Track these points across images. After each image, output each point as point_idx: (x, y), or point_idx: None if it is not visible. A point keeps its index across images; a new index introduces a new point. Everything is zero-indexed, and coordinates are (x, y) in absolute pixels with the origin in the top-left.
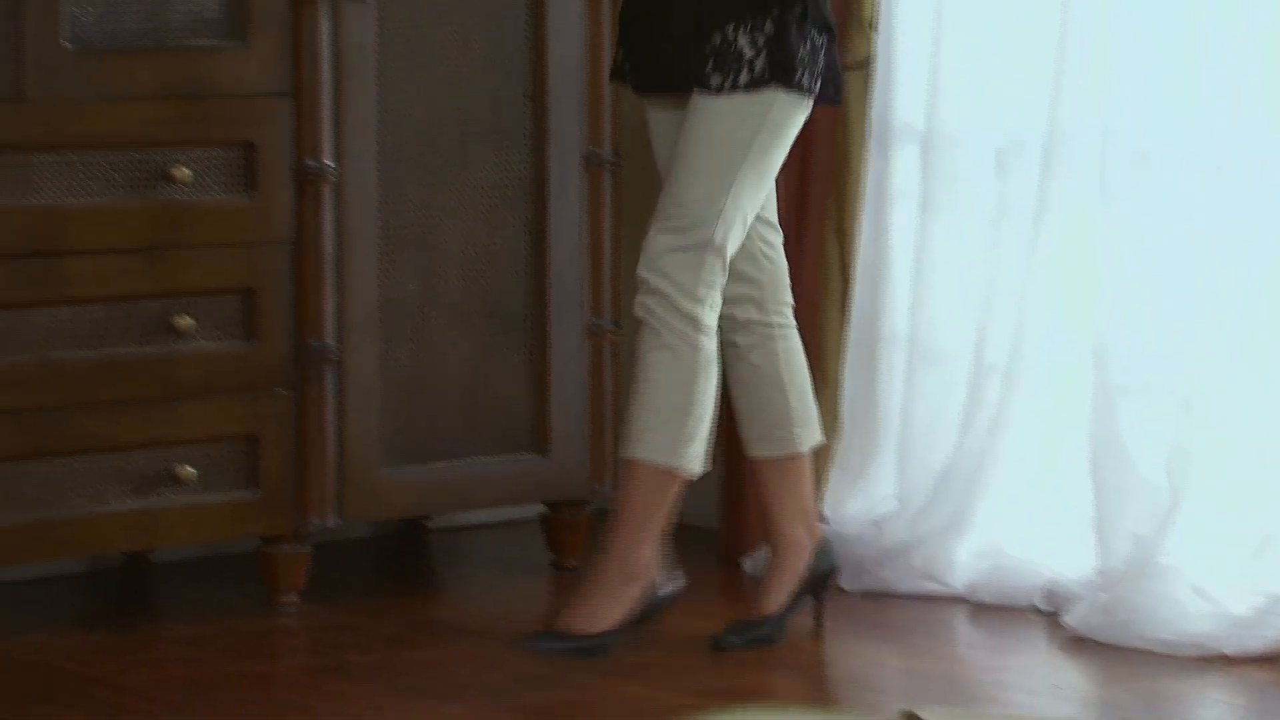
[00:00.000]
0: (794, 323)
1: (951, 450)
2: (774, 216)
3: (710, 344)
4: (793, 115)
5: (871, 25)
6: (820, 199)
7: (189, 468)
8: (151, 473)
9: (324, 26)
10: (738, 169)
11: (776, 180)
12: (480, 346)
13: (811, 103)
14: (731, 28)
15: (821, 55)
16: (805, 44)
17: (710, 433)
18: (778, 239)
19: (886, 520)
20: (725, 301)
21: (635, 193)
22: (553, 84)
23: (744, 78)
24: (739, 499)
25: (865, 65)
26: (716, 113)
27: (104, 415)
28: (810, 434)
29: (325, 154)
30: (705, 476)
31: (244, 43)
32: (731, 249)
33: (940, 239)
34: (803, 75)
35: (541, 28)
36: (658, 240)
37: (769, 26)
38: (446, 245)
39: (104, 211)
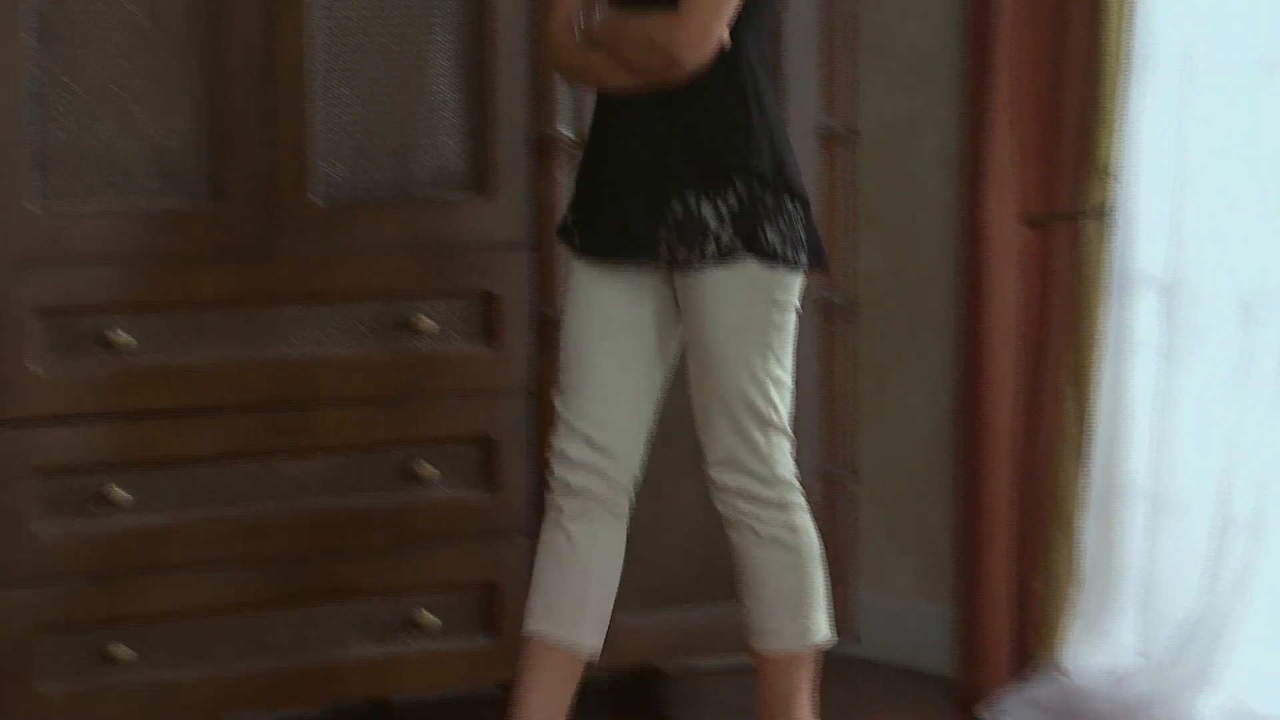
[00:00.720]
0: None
1: (1195, 603)
2: None
3: (803, 516)
4: (791, 285)
5: (1109, 172)
6: (1057, 347)
7: (430, 614)
8: (393, 619)
9: (564, 178)
10: (766, 346)
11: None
12: (708, 494)
13: (800, 271)
14: (692, 197)
15: (798, 223)
16: (776, 215)
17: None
18: None
19: (1128, 674)
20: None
21: (871, 338)
22: None
23: (710, 249)
24: (976, 640)
25: (1103, 213)
26: (722, 292)
27: (348, 562)
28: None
29: (563, 303)
30: (939, 616)
31: (487, 195)
32: (789, 416)
33: (1182, 389)
34: (778, 246)
35: None
36: (721, 441)
37: (732, 198)
38: (676, 390)
39: (351, 362)
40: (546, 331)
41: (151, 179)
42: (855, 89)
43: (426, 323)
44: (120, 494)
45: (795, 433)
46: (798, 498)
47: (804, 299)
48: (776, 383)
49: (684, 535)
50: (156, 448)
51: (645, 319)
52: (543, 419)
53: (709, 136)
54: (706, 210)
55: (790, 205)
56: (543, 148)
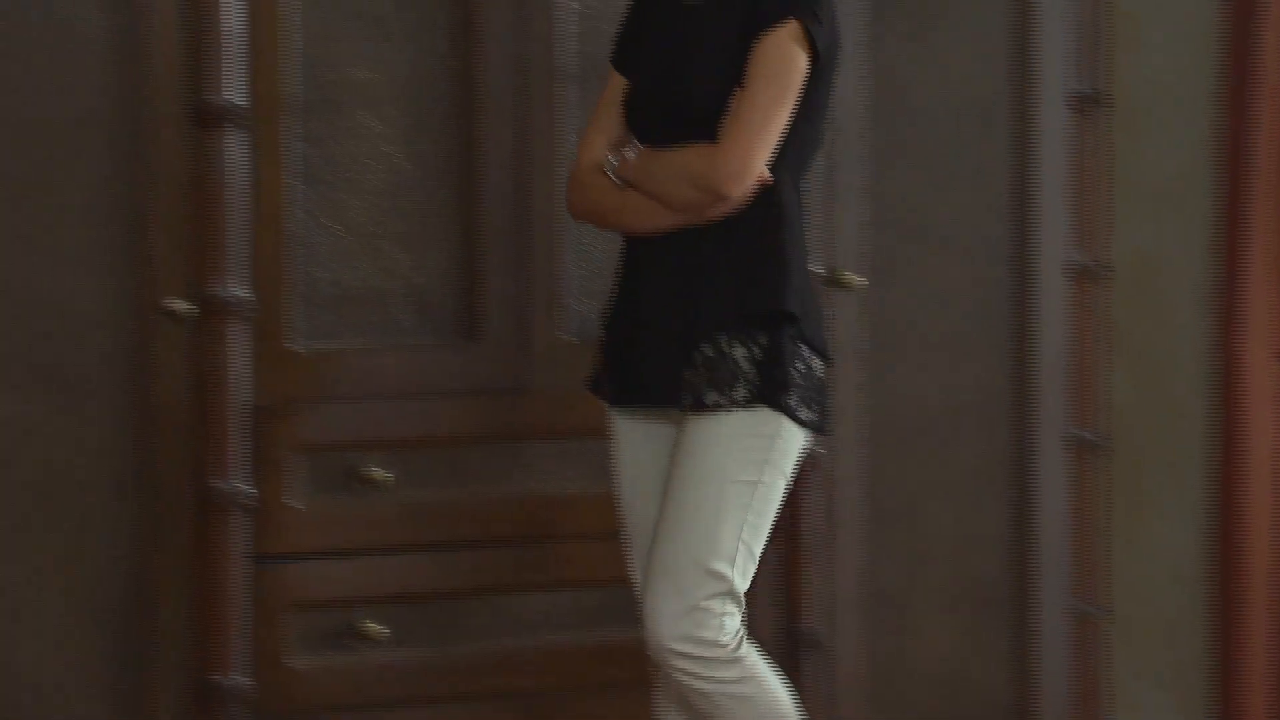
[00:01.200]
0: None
1: None
2: None
3: (758, 663)
4: (792, 444)
5: None
6: None
7: None
8: None
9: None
10: (746, 505)
11: None
12: (962, 629)
13: (807, 433)
14: (725, 339)
15: (816, 382)
16: (798, 364)
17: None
18: None
19: None
20: None
21: (1124, 476)
22: (1039, 367)
23: (741, 393)
24: None
25: None
26: (714, 438)
27: (594, 698)
28: None
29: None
30: None
31: None
32: (744, 589)
33: None
34: (795, 400)
35: (1028, 315)
36: (669, 603)
37: (764, 341)
38: (930, 526)
39: (598, 498)
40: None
41: (408, 317)
42: (1109, 223)
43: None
44: (375, 628)
45: (1047, 567)
46: (748, 649)
47: (1058, 434)
48: (748, 549)
49: (935, 674)
50: (410, 583)
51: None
52: (791, 555)
53: (744, 275)
54: (739, 353)
55: (808, 357)
56: None
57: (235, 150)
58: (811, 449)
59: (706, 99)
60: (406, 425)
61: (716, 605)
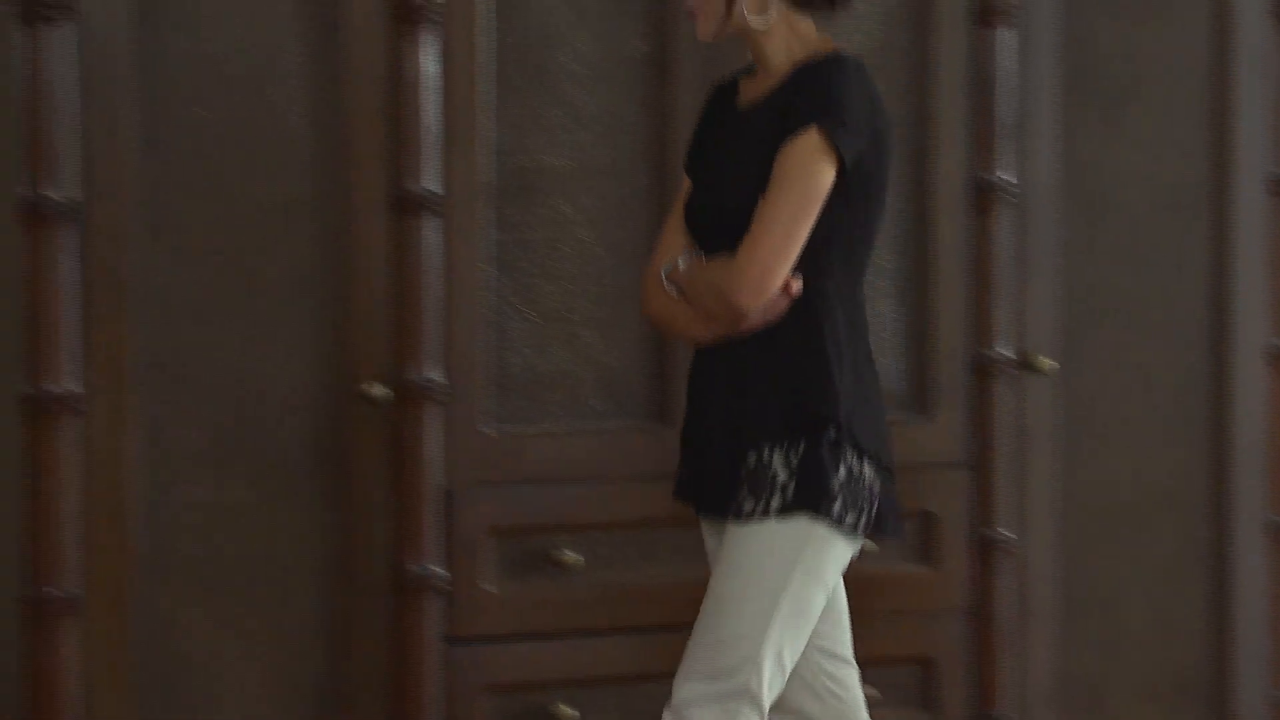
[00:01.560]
0: None
1: None
2: (846, 650)
3: None
4: (830, 552)
5: None
6: None
7: None
8: None
9: (1006, 399)
10: (774, 611)
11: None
12: (1159, 717)
13: (856, 539)
14: (768, 449)
15: (865, 486)
16: (840, 470)
17: None
18: (850, 674)
19: None
20: None
21: None
22: (1236, 452)
23: (776, 502)
24: None
25: None
26: (748, 544)
27: None
28: None
29: (1005, 525)
30: None
31: (927, 415)
32: (769, 698)
33: None
34: (837, 505)
35: (1225, 399)
36: (686, 687)
37: (802, 448)
38: (1126, 614)
39: None
40: (987, 552)
41: (600, 400)
42: None
43: (865, 542)
44: (567, 711)
45: (1246, 656)
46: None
47: (1257, 521)
48: (777, 657)
49: None
50: (602, 665)
51: None
52: (983, 641)
53: (783, 385)
54: (778, 462)
55: (854, 462)
56: (983, 368)
57: (432, 236)
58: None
59: (738, 208)
60: (597, 508)
61: (731, 706)
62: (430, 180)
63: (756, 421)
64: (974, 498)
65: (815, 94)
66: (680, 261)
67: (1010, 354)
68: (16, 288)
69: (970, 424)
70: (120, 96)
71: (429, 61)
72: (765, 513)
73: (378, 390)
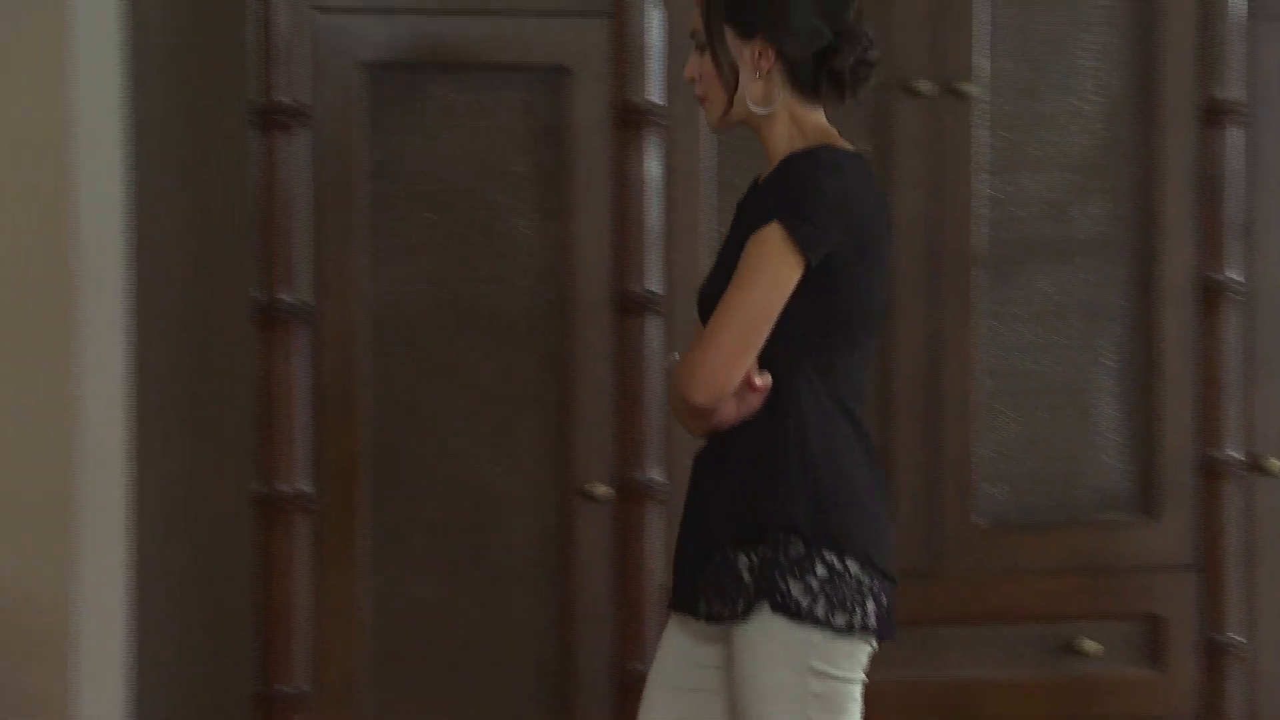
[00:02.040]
0: None
1: None
2: None
3: None
4: (835, 656)
5: None
6: None
7: None
8: None
9: (1235, 500)
10: (801, 716)
11: None
12: None
13: (863, 639)
14: (731, 548)
15: (853, 583)
16: (817, 569)
17: None
18: None
19: None
20: None
21: None
22: None
23: (740, 605)
24: None
25: None
26: (746, 658)
27: None
28: None
29: (1234, 629)
30: None
31: (1152, 516)
32: None
33: None
34: (820, 606)
35: None
36: None
37: (764, 550)
38: None
39: (1013, 684)
40: (1215, 657)
41: None
42: None
43: (1090, 645)
44: None
45: None
46: None
47: None
48: None
49: None
50: None
51: (712, 679)
52: None
53: (746, 484)
54: (742, 563)
55: (834, 561)
56: (1210, 469)
57: (654, 336)
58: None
59: (712, 301)
60: None
61: None
62: (652, 281)
63: (721, 519)
64: (1202, 601)
65: (783, 188)
66: (677, 355)
67: (1239, 455)
68: (250, 389)
69: (1198, 526)
70: (352, 202)
71: (652, 164)
72: (734, 615)
73: (600, 489)
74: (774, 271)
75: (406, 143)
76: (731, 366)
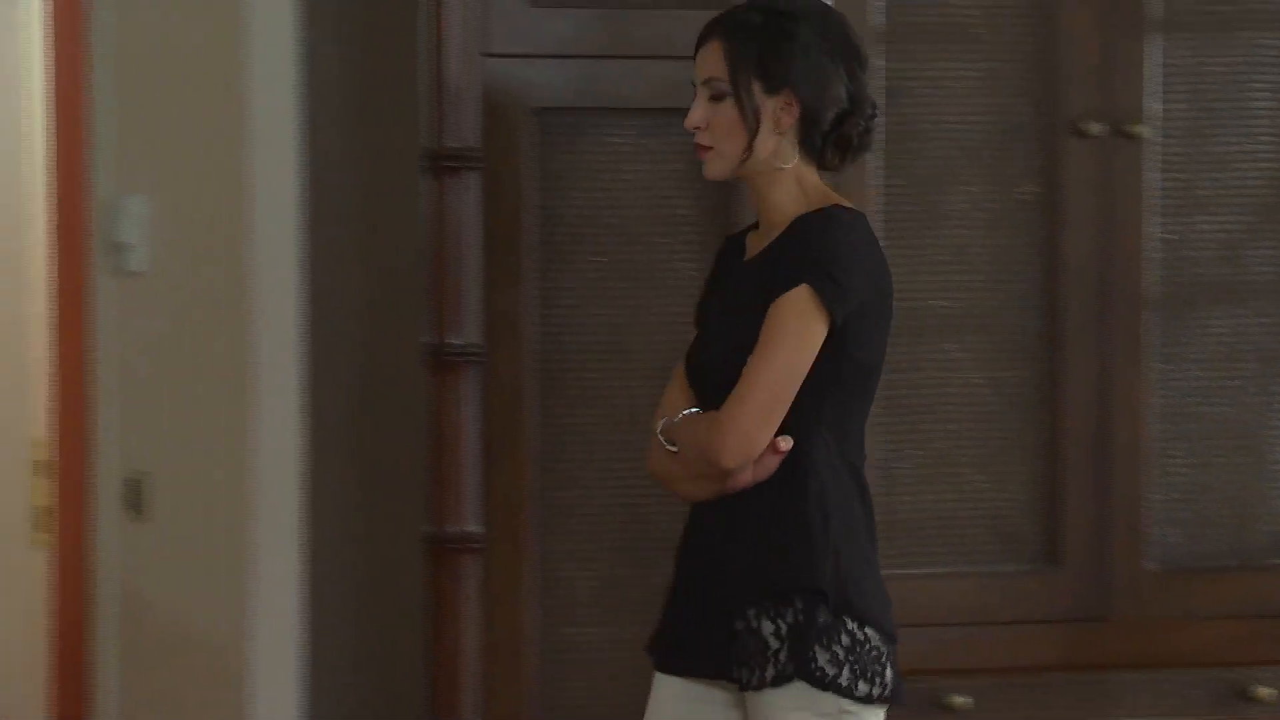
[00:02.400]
0: None
1: None
2: None
3: None
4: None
5: None
6: None
7: None
8: None
9: None
10: None
11: None
12: None
13: (876, 710)
14: (754, 613)
15: (872, 652)
16: (842, 638)
17: None
18: None
19: None
20: None
21: None
22: None
23: (770, 672)
24: None
25: None
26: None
27: None
28: None
29: None
30: None
31: None
32: None
33: None
34: (845, 675)
35: None
36: None
37: (791, 615)
38: None
39: None
40: None
41: (987, 544)
42: None
43: (1265, 692)
44: None
45: None
46: None
47: None
48: None
49: None
50: None
51: None
52: None
53: (768, 547)
54: (767, 629)
55: (855, 629)
56: None
57: None
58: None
59: (726, 364)
60: (986, 653)
61: None
62: None
63: (740, 583)
64: None
65: (807, 249)
66: (679, 418)
67: None
68: (420, 431)
69: None
70: (520, 245)
71: None
72: (762, 683)
73: None
74: (803, 332)
75: (574, 186)
76: (763, 429)
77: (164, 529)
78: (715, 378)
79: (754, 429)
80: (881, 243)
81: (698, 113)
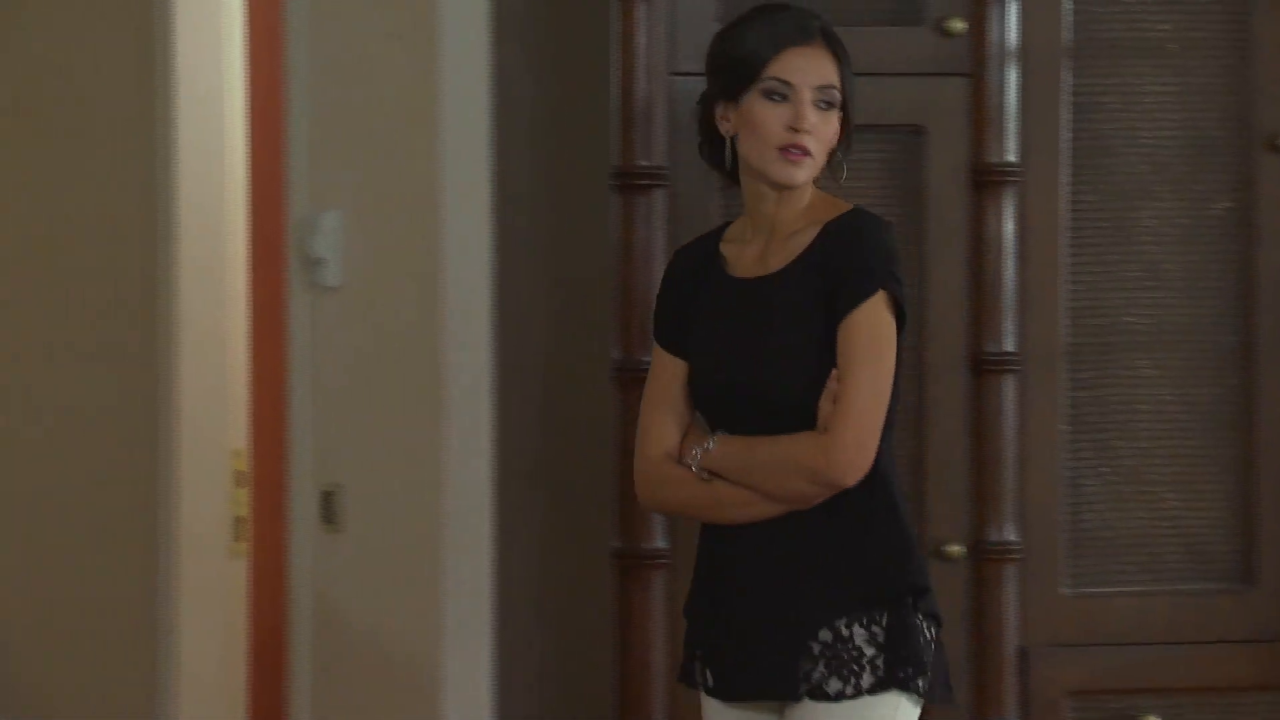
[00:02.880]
0: None
1: None
2: None
3: None
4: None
5: None
6: None
7: None
8: None
9: None
10: None
11: None
12: None
13: (917, 706)
14: (844, 623)
15: (933, 651)
16: (923, 638)
17: None
18: None
19: None
20: None
21: None
22: None
23: (867, 680)
24: None
25: None
26: None
27: None
28: None
29: None
30: None
31: None
32: None
33: None
34: (921, 676)
35: None
36: None
37: (886, 620)
38: None
39: None
40: None
41: (1180, 562)
42: None
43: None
44: None
45: None
46: None
47: None
48: None
49: None
50: None
51: None
52: None
53: (860, 555)
54: (860, 636)
55: (928, 629)
56: None
57: (1009, 395)
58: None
59: (793, 386)
60: (1181, 672)
61: None
62: (1008, 341)
63: (829, 596)
64: None
65: (867, 252)
66: (710, 444)
67: None
68: (607, 446)
69: None
70: None
71: (1008, 223)
72: (858, 691)
73: (954, 549)
74: (891, 337)
75: None
76: (874, 440)
77: (357, 540)
78: (775, 399)
79: (870, 441)
80: (1070, 258)
81: (815, 120)
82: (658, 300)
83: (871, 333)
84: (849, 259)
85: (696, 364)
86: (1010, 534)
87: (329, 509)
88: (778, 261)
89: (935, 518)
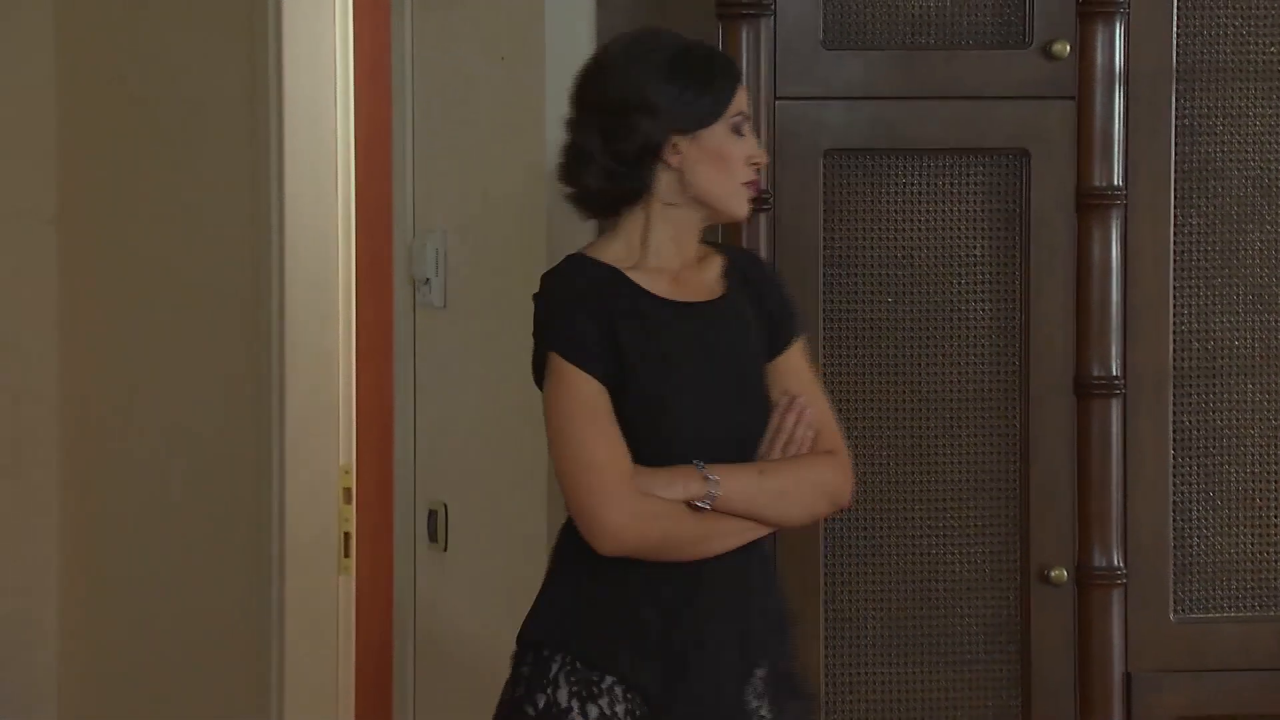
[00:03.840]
0: None
1: None
2: None
3: None
4: None
5: None
6: None
7: None
8: None
9: None
10: None
11: None
12: None
13: None
14: (789, 650)
15: None
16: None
17: None
18: None
19: None
20: None
21: None
22: None
23: (810, 702)
24: None
25: None
26: None
27: None
28: None
29: None
30: None
31: None
32: None
33: None
34: None
35: None
36: None
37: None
38: None
39: None
40: None
41: None
42: None
43: None
44: None
45: None
46: None
47: None
48: None
49: None
50: None
51: None
52: None
53: (780, 584)
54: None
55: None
56: None
57: (1115, 419)
58: None
59: (765, 419)
60: None
61: None
62: (1114, 364)
63: (784, 625)
64: None
65: (780, 288)
66: (713, 479)
67: None
68: None
69: None
70: (809, 286)
71: (1114, 247)
72: (814, 712)
73: (1058, 574)
74: None
75: (865, 227)
76: None
77: (461, 559)
78: (757, 435)
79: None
80: (1175, 282)
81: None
82: (564, 322)
83: (807, 364)
84: (768, 291)
85: (677, 403)
86: (1116, 559)
87: (434, 526)
88: (704, 288)
89: (1039, 543)
